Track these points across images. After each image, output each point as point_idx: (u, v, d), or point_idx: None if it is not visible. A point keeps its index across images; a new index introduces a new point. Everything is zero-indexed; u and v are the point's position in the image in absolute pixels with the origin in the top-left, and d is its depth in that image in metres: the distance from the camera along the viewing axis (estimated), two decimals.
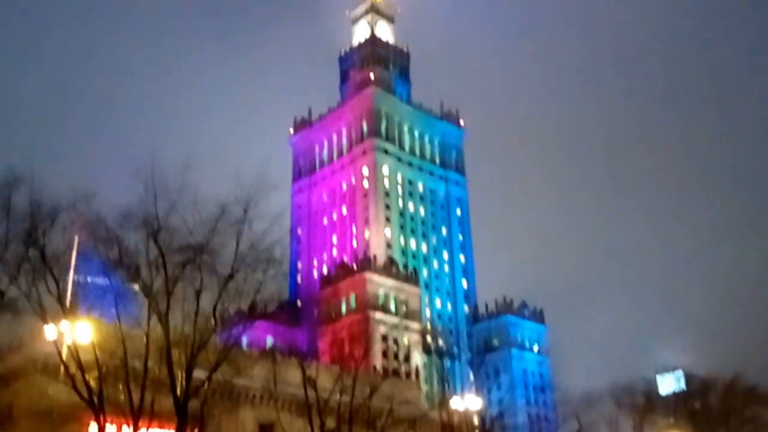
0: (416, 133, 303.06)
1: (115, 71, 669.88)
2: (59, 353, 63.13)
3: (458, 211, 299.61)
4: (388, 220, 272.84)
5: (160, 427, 70.69)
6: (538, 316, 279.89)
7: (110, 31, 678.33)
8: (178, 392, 63.03)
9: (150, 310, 64.27)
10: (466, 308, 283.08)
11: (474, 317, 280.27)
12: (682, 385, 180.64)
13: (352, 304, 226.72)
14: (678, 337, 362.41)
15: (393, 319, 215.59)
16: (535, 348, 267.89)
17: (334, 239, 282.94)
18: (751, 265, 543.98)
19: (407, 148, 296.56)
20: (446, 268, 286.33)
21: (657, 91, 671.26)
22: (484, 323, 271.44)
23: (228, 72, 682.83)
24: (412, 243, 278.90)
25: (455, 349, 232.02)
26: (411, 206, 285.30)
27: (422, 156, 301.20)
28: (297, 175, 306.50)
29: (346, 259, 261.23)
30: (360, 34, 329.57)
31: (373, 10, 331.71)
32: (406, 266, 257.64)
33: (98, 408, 61.68)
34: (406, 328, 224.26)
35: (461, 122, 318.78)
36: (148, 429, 65.81)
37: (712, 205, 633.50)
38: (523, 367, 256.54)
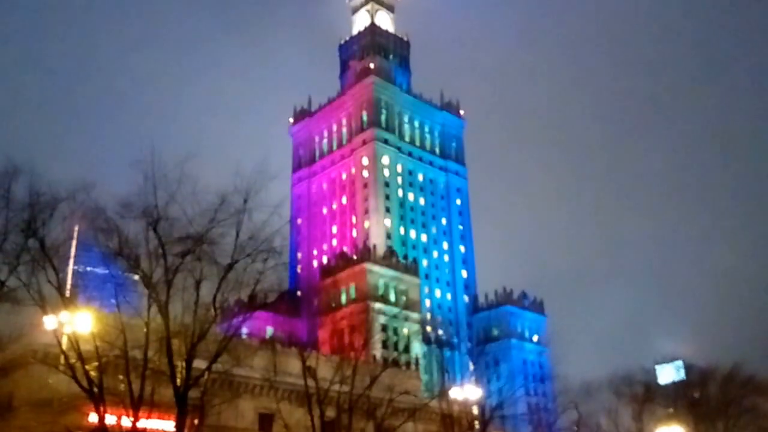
0: (416, 123, 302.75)
1: (116, 64, 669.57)
2: (59, 343, 63.14)
3: (458, 202, 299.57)
4: (387, 210, 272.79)
5: (160, 417, 70.67)
6: (538, 307, 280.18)
7: (112, 24, 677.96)
8: (178, 382, 63.02)
9: (150, 300, 64.19)
10: (465, 298, 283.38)
11: (474, 307, 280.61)
12: (682, 375, 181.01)
13: (352, 294, 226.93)
14: (677, 328, 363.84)
15: (393, 310, 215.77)
16: (535, 338, 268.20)
17: (334, 229, 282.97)
18: (751, 256, 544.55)
19: (407, 138, 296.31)
20: (446, 258, 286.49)
21: (657, 85, 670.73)
22: (484, 313, 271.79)
23: (228, 63, 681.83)
24: (412, 233, 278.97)
25: (455, 340, 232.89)
26: (411, 196, 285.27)
27: (422, 146, 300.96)
28: (297, 166, 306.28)
29: (346, 249, 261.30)
30: (360, 23, 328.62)
31: None
32: (406, 256, 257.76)
33: (98, 398, 61.66)
34: (406, 319, 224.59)
35: (461, 112, 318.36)
36: (148, 419, 65.83)
37: (711, 197, 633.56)
38: (522, 357, 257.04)
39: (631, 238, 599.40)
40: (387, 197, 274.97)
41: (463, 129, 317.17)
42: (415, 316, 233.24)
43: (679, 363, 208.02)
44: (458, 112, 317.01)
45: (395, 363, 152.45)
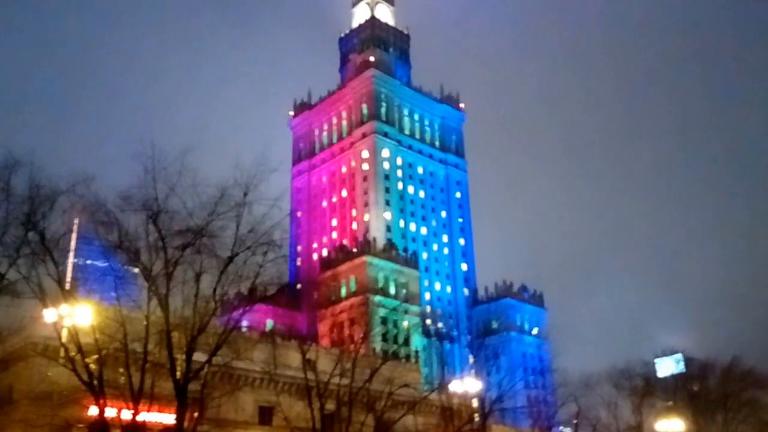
0: (416, 116, 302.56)
1: (117, 58, 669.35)
2: (59, 336, 63.13)
3: (458, 194, 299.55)
4: (387, 203, 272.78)
5: (160, 410, 70.65)
6: (538, 300, 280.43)
7: (114, 17, 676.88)
8: (178, 375, 63.02)
9: (150, 292, 64.15)
10: (465, 291, 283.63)
11: (473, 300, 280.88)
12: (681, 368, 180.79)
13: (352, 287, 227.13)
14: (677, 321, 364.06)
15: (393, 302, 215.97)
16: (535, 331, 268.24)
17: (334, 222, 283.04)
18: (751, 250, 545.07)
19: (407, 131, 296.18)
20: (446, 251, 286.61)
21: (657, 79, 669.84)
22: (484, 306, 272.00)
23: (229, 55, 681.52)
24: (412, 226, 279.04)
25: (455, 332, 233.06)
26: (411, 189, 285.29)
27: (422, 139, 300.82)
28: (297, 158, 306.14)
29: (345, 242, 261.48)
30: (360, 16, 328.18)
31: None
32: (405, 249, 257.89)
33: (98, 391, 61.69)
34: (406, 311, 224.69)
35: (461, 105, 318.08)
36: (147, 412, 65.85)
37: (712, 191, 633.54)
38: (522, 350, 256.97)
39: (631, 232, 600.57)
40: (387, 190, 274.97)
41: (462, 122, 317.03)
42: (414, 308, 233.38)
43: (679, 356, 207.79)
44: (458, 105, 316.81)
45: (395, 356, 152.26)
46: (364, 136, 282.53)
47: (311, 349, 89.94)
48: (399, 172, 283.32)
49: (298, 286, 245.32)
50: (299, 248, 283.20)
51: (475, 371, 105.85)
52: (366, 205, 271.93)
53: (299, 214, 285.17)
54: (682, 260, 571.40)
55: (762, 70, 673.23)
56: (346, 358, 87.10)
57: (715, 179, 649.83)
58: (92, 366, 62.16)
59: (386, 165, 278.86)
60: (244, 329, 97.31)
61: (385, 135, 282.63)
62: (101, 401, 61.86)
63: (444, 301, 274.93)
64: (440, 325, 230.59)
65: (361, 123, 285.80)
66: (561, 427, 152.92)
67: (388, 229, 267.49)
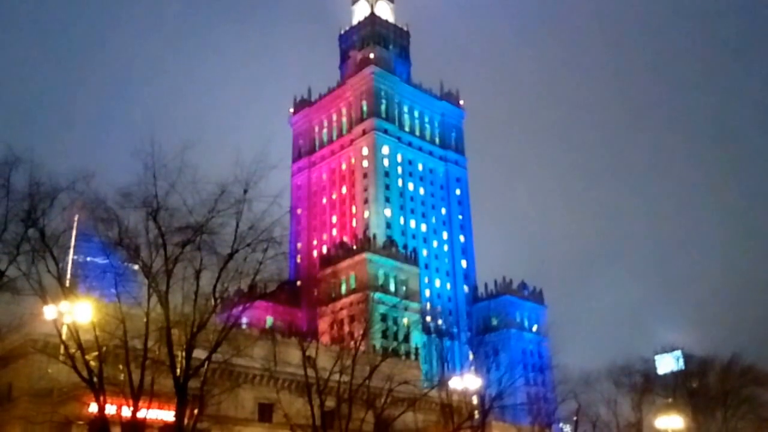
0: (416, 113, 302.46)
1: (117, 55, 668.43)
2: (59, 333, 63.16)
3: (458, 191, 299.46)
4: (387, 200, 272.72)
5: (160, 407, 70.81)
6: (538, 296, 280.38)
7: (113, 15, 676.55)
8: (178, 372, 63.04)
9: (150, 290, 64.16)
10: (465, 288, 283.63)
11: (473, 297, 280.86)
12: (681, 365, 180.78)
13: (352, 284, 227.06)
14: (676, 318, 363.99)
15: (392, 299, 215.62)
16: (535, 328, 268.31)
17: (334, 219, 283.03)
18: (750, 246, 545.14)
19: (407, 128, 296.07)
20: (446, 248, 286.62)
21: (657, 74, 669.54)
22: (484, 303, 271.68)
23: (229, 52, 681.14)
24: (412, 223, 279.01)
25: (454, 329, 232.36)
26: (411, 186, 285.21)
27: (422, 136, 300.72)
28: (297, 155, 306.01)
29: (345, 239, 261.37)
30: (360, 12, 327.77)
31: None
32: (405, 246, 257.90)
33: (98, 388, 61.72)
34: (406, 308, 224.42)
35: (461, 102, 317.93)
36: (147, 409, 65.90)
37: (711, 188, 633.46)
38: (522, 346, 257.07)
39: (630, 229, 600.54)
40: (387, 187, 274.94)
41: (462, 119, 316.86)
42: (414, 305, 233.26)
43: (679, 353, 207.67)
44: (458, 102, 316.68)
45: (395, 353, 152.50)
46: (364, 133, 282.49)
47: (311, 346, 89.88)
48: (399, 169, 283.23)
49: (298, 283, 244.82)
50: (299, 245, 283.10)
51: (474, 368, 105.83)
52: (366, 202, 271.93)
53: (299, 211, 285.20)
54: (681, 257, 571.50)
55: (763, 64, 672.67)
56: (346, 355, 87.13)
57: (716, 176, 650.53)
58: (92, 363, 62.20)
59: (386, 162, 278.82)
60: (244, 326, 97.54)
61: (385, 132, 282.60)
62: (101, 398, 61.89)
63: (444, 298, 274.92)
64: (440, 322, 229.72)
65: (361, 120, 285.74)
66: (561, 424, 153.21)
67: (388, 226, 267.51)
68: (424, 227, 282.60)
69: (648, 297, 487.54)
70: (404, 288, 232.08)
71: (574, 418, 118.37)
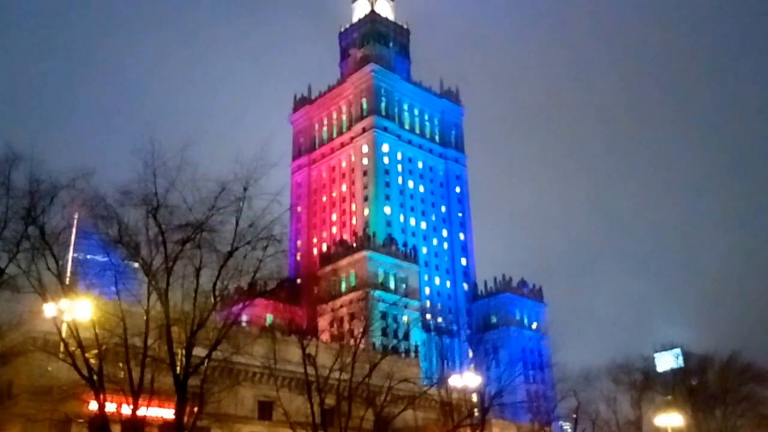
0: (416, 111, 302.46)
1: (117, 53, 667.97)
2: (59, 331, 63.17)
3: (458, 189, 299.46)
4: (387, 197, 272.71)
5: (160, 404, 70.89)
6: (537, 294, 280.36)
7: (113, 12, 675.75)
8: (178, 370, 63.04)
9: (150, 287, 64.16)
10: (465, 286, 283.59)
11: (473, 295, 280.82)
12: (680, 363, 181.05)
13: (352, 281, 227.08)
14: (676, 316, 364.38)
15: (392, 297, 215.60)
16: (534, 326, 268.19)
17: (334, 217, 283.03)
18: (749, 245, 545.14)
19: (407, 125, 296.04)
20: (445, 245, 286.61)
21: (657, 73, 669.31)
22: (483, 301, 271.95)
23: (229, 50, 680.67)
24: (412, 221, 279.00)
25: (454, 327, 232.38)
26: (410, 184, 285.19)
27: (422, 134, 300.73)
28: (297, 153, 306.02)
29: (345, 237, 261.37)
30: (360, 10, 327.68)
31: None
32: (405, 244, 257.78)
33: (98, 386, 61.75)
34: (406, 306, 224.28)
35: (461, 100, 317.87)
36: (147, 407, 65.94)
37: (711, 185, 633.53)
38: (521, 344, 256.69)
39: (630, 227, 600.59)
40: (387, 185, 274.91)
41: (462, 116, 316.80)
42: (414, 303, 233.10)
43: (678, 351, 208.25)
44: (458, 100, 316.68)
45: (395, 350, 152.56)
46: (363, 130, 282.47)
47: (311, 344, 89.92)
48: (399, 167, 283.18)
49: (298, 280, 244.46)
50: (299, 243, 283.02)
51: (474, 366, 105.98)
52: (366, 199, 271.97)
53: (299, 208, 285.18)
54: (681, 256, 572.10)
55: (763, 64, 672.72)
56: (346, 353, 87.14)
57: (716, 174, 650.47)
58: (92, 361, 62.23)
59: (386, 160, 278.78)
60: (243, 324, 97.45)
61: (385, 130, 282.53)
62: (101, 396, 61.92)
63: (444, 296, 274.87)
64: (440, 319, 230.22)
65: (361, 118, 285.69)
66: (560, 422, 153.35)
67: (388, 223, 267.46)
68: (423, 225, 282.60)
69: (647, 295, 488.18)
70: (404, 286, 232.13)
71: (574, 416, 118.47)
